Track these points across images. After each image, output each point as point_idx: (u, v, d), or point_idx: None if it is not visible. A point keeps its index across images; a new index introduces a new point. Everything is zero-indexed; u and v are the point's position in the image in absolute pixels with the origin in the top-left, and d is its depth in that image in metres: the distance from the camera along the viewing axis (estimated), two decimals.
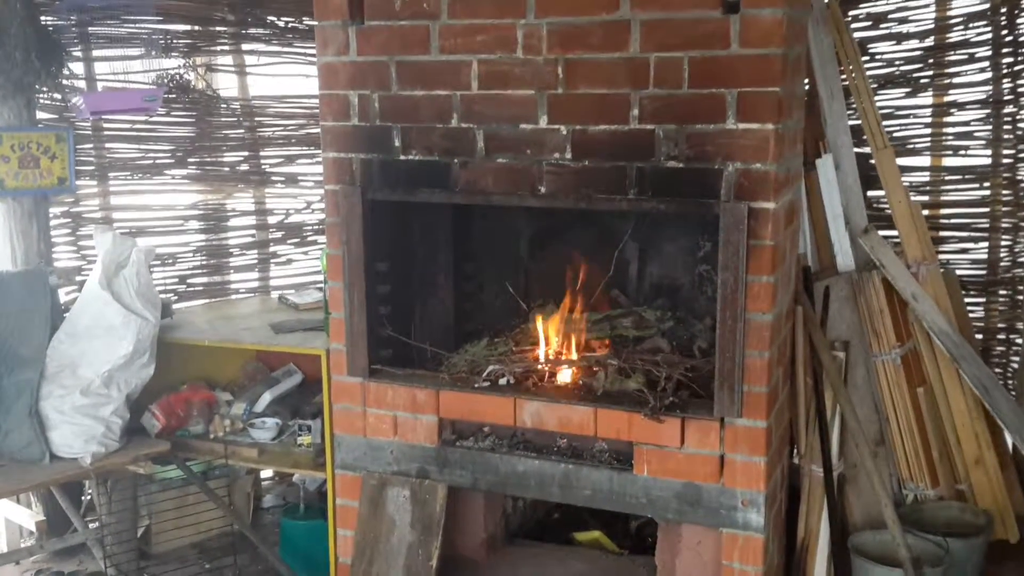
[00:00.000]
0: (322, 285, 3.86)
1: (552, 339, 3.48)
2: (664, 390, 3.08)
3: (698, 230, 3.63)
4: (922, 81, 4.36)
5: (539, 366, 3.36)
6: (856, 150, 4.01)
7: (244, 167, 4.98)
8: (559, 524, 3.89)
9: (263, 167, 5.02)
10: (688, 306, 3.73)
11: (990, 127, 4.27)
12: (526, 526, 3.87)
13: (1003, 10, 4.16)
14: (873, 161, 4.03)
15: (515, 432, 3.34)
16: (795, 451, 3.73)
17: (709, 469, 3.05)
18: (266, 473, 4.87)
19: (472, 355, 3.50)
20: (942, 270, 4.01)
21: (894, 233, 4.01)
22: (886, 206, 4.07)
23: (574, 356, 3.40)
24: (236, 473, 4.41)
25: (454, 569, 3.51)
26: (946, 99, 4.37)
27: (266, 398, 4.20)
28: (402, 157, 3.26)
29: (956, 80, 4.33)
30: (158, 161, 4.76)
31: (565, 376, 3.33)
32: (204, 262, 4.95)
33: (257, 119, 4.99)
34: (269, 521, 4.68)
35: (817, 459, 3.68)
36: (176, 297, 4.76)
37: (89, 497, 4.31)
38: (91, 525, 4.08)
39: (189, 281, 4.90)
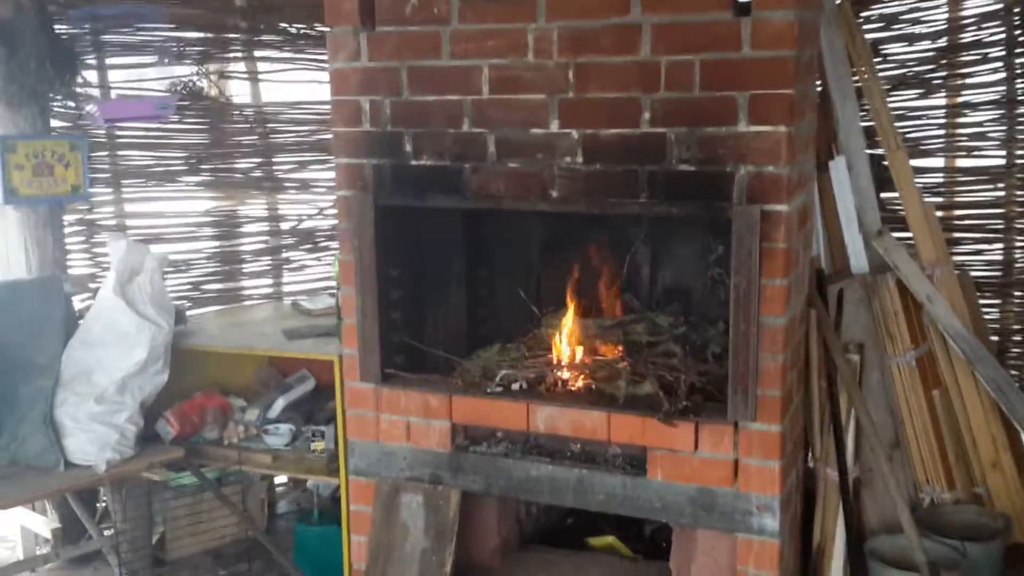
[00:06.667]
0: (335, 291, 3.86)
1: (564, 344, 3.47)
2: (677, 394, 3.07)
3: (710, 234, 3.62)
4: (935, 82, 4.33)
5: (552, 371, 3.35)
6: (869, 152, 3.99)
7: (257, 173, 5.00)
8: (573, 529, 3.87)
9: (275, 173, 5.04)
10: (701, 310, 3.71)
11: (1004, 127, 4.23)
12: (540, 532, 3.86)
13: (1016, 10, 4.12)
14: (886, 163, 4.01)
15: (528, 437, 3.33)
16: (810, 455, 3.71)
17: (723, 473, 3.04)
18: (280, 479, 4.87)
19: (485, 360, 3.50)
20: (957, 272, 3.98)
21: (908, 235, 3.99)
22: (900, 208, 4.05)
23: (587, 361, 3.39)
24: (250, 479, 4.42)
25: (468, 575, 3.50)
26: (959, 100, 4.33)
27: (279, 404, 4.20)
28: (413, 162, 3.26)
29: (969, 80, 4.30)
30: (171, 168, 4.78)
31: (578, 381, 3.32)
32: (217, 268, 4.96)
33: (269, 125, 5.00)
34: (283, 527, 4.68)
35: (832, 463, 3.66)
36: (190, 304, 4.78)
37: (104, 504, 4.32)
38: (106, 532, 4.09)
39: (202, 287, 4.92)
